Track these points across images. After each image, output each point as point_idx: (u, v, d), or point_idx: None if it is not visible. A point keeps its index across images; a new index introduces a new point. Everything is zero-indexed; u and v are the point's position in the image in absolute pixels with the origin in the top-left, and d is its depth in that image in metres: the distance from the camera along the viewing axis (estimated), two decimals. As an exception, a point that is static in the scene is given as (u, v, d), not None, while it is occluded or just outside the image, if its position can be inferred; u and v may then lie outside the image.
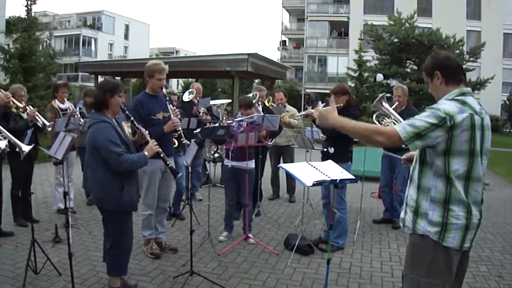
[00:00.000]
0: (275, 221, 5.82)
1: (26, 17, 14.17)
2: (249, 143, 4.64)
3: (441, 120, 2.09)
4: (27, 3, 13.79)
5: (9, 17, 21.89)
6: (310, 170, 2.92)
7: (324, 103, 3.45)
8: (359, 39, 22.14)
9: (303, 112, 5.16)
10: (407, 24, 21.62)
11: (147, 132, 3.56)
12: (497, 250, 4.90)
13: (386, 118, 4.95)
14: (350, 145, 4.62)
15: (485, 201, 2.32)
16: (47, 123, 5.04)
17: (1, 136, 3.94)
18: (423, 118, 2.13)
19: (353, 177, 2.96)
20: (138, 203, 3.56)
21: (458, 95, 2.21)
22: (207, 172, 7.61)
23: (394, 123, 4.74)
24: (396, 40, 21.63)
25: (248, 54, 11.59)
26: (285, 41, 42.10)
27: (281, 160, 6.81)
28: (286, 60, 37.29)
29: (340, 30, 36.19)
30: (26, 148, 3.99)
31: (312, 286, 3.81)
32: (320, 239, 4.80)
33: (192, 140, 4.40)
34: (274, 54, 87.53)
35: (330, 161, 3.20)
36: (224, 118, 5.93)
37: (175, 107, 4.32)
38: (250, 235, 4.90)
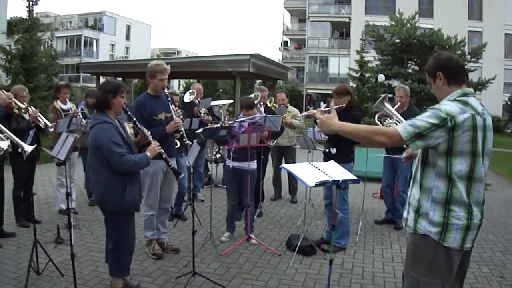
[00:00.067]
0: (277, 221, 5.82)
1: (27, 18, 14.19)
2: (251, 144, 4.63)
3: (442, 121, 2.09)
4: (29, 4, 13.81)
5: (11, 18, 21.99)
6: (312, 171, 2.92)
7: (326, 104, 3.46)
8: (361, 39, 22.06)
9: (305, 113, 5.15)
10: (408, 25, 21.61)
11: (149, 132, 3.55)
12: (499, 250, 4.89)
13: (388, 118, 4.93)
14: (352, 146, 4.62)
15: (486, 202, 2.33)
16: (49, 123, 5.04)
17: (4, 136, 3.94)
18: (424, 118, 2.13)
19: (355, 178, 2.96)
20: (140, 203, 3.55)
21: (460, 96, 2.21)
22: (209, 173, 7.60)
23: (396, 124, 4.72)
24: (397, 40, 21.62)
25: (250, 55, 11.57)
26: (286, 41, 42.12)
27: (283, 161, 6.80)
28: (288, 61, 37.32)
29: (341, 30, 36.19)
30: (28, 148, 3.99)
31: (314, 287, 3.81)
32: (322, 240, 4.80)
33: (194, 141, 4.41)
34: (275, 55, 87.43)
35: (332, 162, 3.20)
36: (226, 118, 5.93)
37: (177, 108, 4.32)
38: (252, 235, 4.90)
